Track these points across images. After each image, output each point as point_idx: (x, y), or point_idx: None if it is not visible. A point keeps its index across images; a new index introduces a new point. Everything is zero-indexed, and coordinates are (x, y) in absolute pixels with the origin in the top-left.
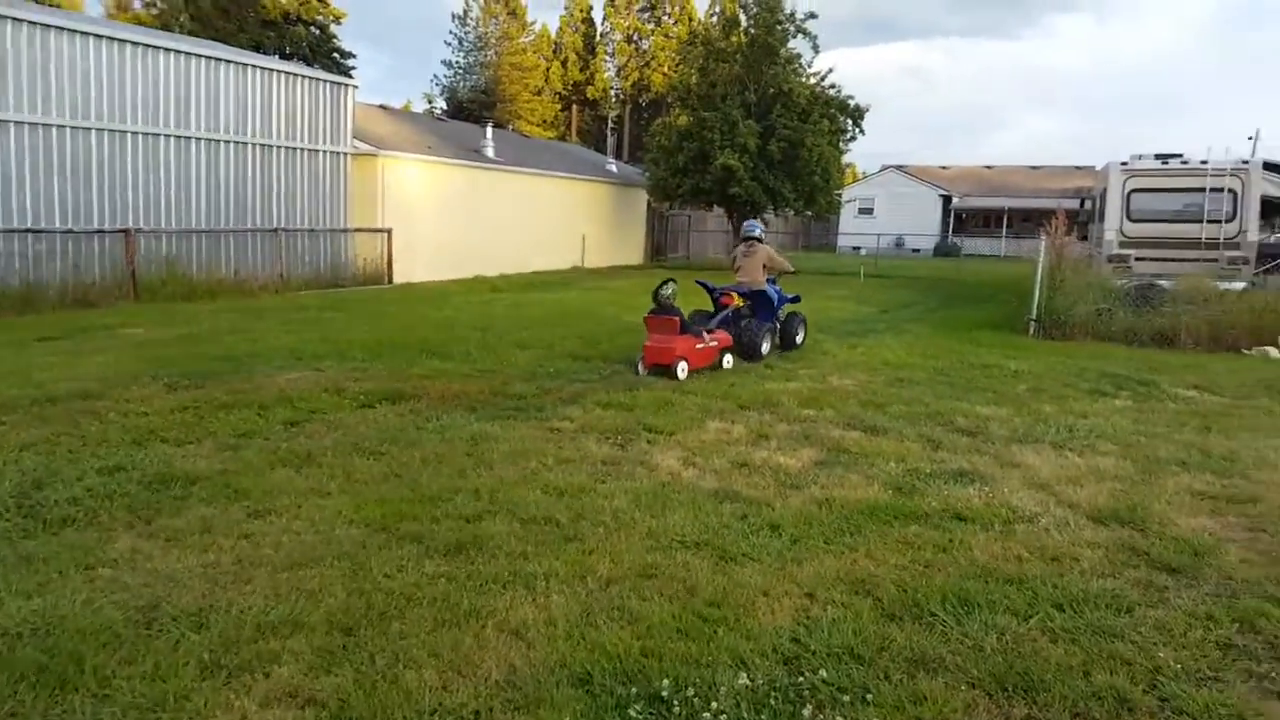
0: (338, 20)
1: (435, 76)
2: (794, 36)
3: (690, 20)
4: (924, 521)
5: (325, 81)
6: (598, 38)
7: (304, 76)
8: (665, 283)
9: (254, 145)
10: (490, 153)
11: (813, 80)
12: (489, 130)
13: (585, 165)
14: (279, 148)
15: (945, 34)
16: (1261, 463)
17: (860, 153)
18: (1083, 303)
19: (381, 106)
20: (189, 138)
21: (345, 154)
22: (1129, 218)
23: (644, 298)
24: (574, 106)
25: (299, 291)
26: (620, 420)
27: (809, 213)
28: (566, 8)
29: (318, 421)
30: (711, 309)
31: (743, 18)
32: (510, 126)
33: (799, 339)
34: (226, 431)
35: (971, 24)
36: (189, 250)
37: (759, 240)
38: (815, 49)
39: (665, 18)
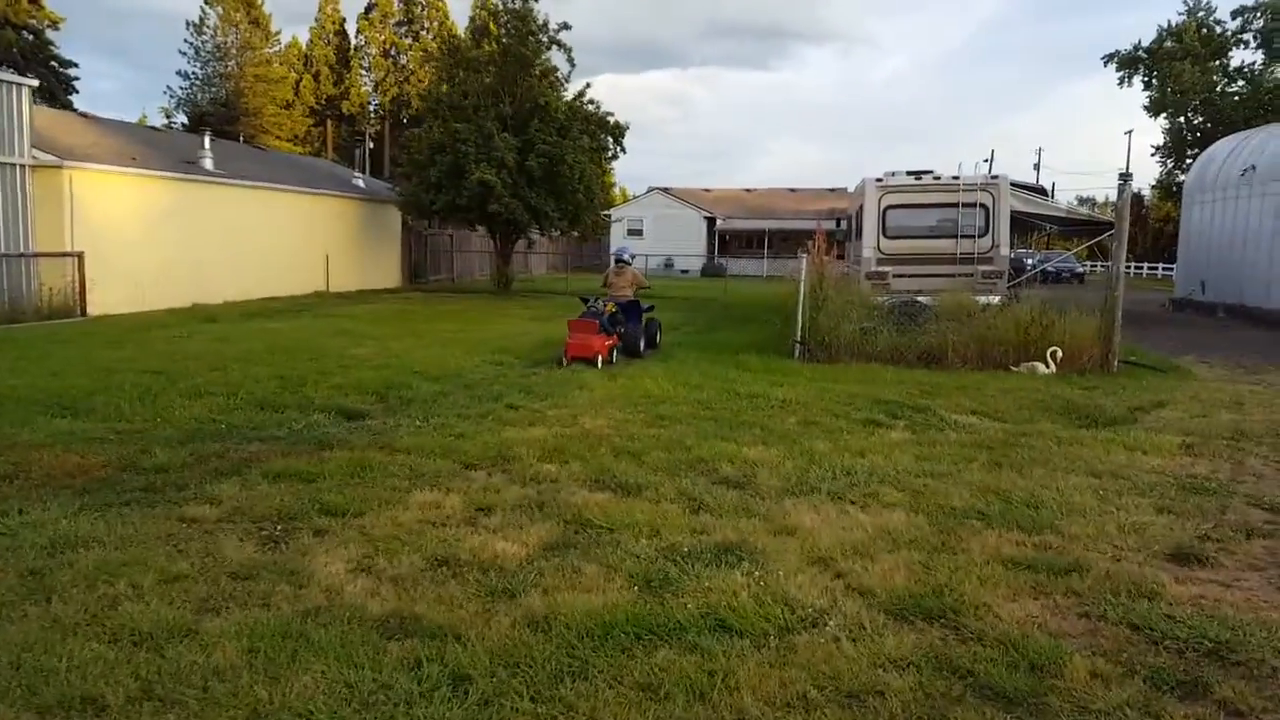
0: (54, 25)
1: (169, 88)
2: (548, 49)
3: (449, 35)
4: (676, 641)
5: None
6: (352, 50)
7: None
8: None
9: None
10: (209, 164)
11: (570, 96)
12: (206, 140)
13: (328, 180)
14: None
15: (703, 63)
16: (1068, 509)
17: (628, 176)
18: (846, 322)
19: (81, 114)
20: None
21: (20, 165)
22: (885, 234)
23: (381, 325)
24: (329, 122)
25: None
26: (290, 498)
27: (575, 232)
28: (318, 19)
29: None
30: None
31: (494, 27)
32: (255, 141)
33: (658, 339)
34: None
35: (728, 54)
36: None
37: (628, 263)
38: (571, 63)
39: (423, 32)
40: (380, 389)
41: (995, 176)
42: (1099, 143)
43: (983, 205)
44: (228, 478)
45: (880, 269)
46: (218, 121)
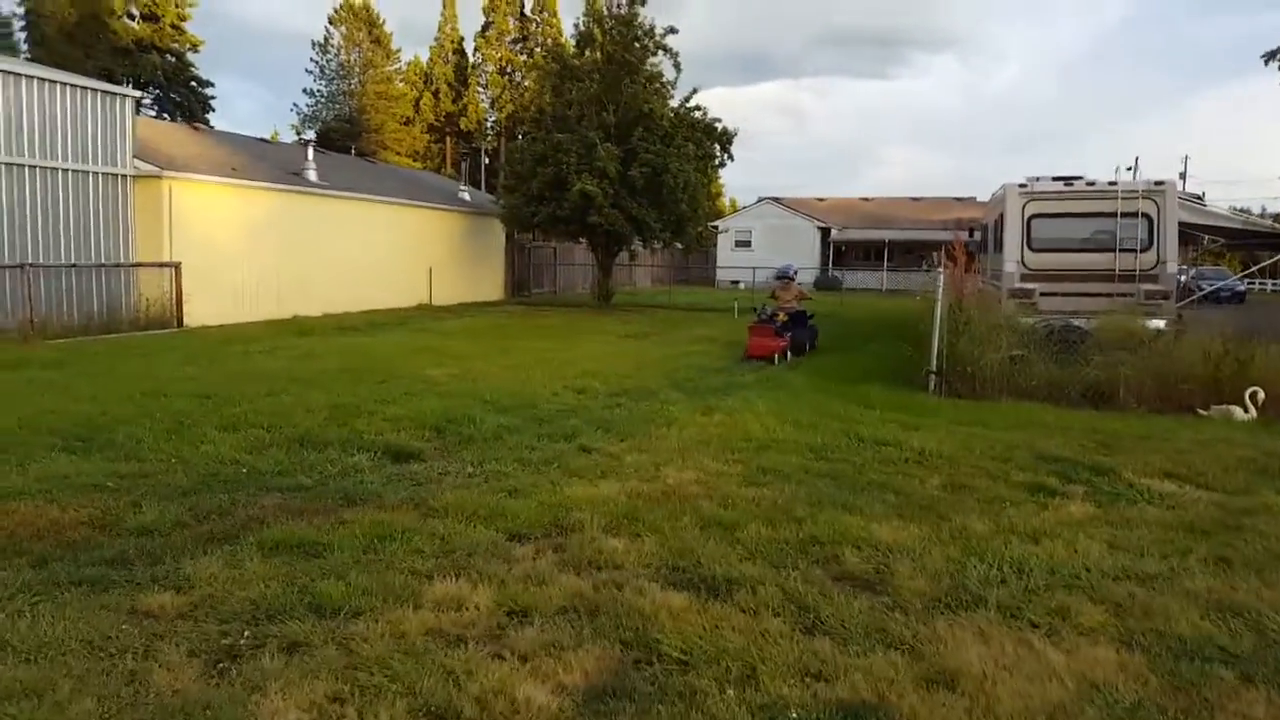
0: (195, 48)
1: (295, 105)
2: (654, 54)
3: (554, 43)
4: None
5: (94, 91)
6: (470, 69)
7: (64, 84)
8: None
9: None
10: (313, 176)
11: (676, 102)
12: (310, 151)
13: (433, 192)
14: (31, 167)
15: (816, 73)
16: None
17: (738, 188)
18: (992, 349)
19: (192, 124)
20: None
21: (124, 176)
22: (1030, 247)
23: (471, 341)
24: (447, 138)
25: (56, 339)
26: (279, 584)
27: (678, 244)
28: (437, 39)
29: None
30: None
31: (598, 34)
32: (377, 157)
33: (816, 342)
34: None
35: (841, 63)
36: None
37: (792, 279)
38: (677, 67)
39: (537, 49)
40: (441, 421)
41: (1160, 182)
42: (1249, 149)
43: (1145, 215)
44: (215, 548)
45: (1025, 285)
46: (341, 138)
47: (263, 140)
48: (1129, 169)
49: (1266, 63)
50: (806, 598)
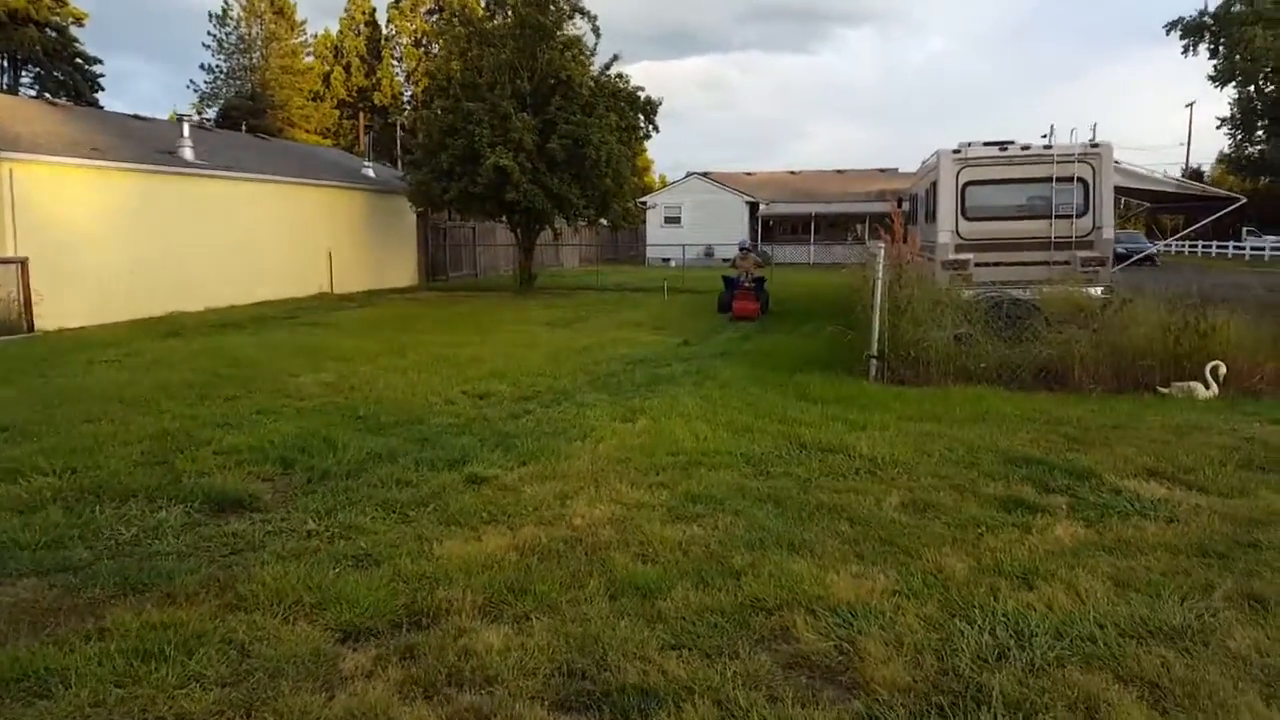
0: (78, 21)
1: (192, 83)
2: (570, 17)
3: (461, 5)
4: None
5: None
6: (383, 41)
7: None
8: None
9: None
10: (189, 154)
11: (597, 70)
12: (186, 128)
13: (332, 170)
14: None
15: (742, 47)
16: None
17: (667, 164)
18: (936, 329)
19: (46, 99)
20: None
21: None
22: (965, 215)
23: (365, 337)
24: (361, 114)
25: None
26: None
27: (604, 222)
28: (347, 10)
29: None
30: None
31: None
32: (284, 134)
33: (768, 306)
34: None
35: (766, 37)
36: None
37: (750, 251)
38: (596, 32)
39: (455, 18)
40: (292, 451)
41: (1096, 144)
42: (1155, 117)
43: (1081, 179)
44: None
45: (959, 256)
46: (243, 116)
47: (135, 117)
48: (1043, 137)
49: (1168, 32)
50: (750, 709)
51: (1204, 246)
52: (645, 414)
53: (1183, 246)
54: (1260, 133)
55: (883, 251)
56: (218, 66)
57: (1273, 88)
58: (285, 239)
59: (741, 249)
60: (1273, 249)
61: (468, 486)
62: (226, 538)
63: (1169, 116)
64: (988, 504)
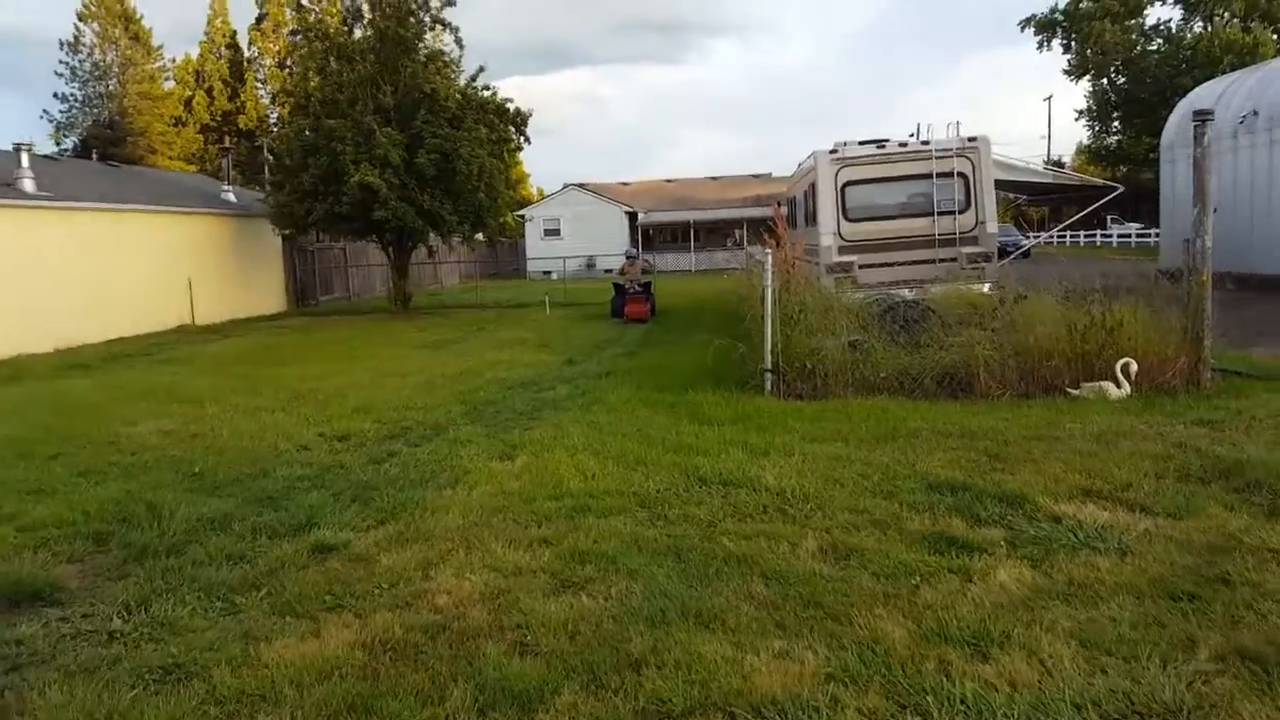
0: None
1: (45, 113)
2: (431, 28)
3: (316, 22)
4: None
5: None
6: (245, 64)
7: None
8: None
9: None
10: (29, 186)
11: (463, 82)
12: (24, 158)
13: (191, 195)
14: None
15: (610, 60)
16: None
17: (544, 176)
18: (830, 336)
19: None
20: None
21: None
22: (846, 217)
23: (221, 373)
24: (226, 138)
25: None
26: None
27: (481, 237)
28: (207, 33)
29: None
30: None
31: (366, 8)
32: (145, 161)
33: (654, 308)
34: None
35: (633, 50)
36: None
37: (636, 258)
38: (459, 44)
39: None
40: (112, 519)
41: (974, 139)
42: (1015, 112)
43: (961, 174)
44: None
45: (843, 259)
46: (103, 145)
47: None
48: (911, 136)
49: (1023, 29)
50: None
51: (1071, 236)
52: (526, 449)
53: (1051, 237)
54: (1116, 123)
55: (770, 258)
56: (72, 95)
57: (1123, 79)
58: (141, 270)
59: (628, 257)
60: (1138, 236)
61: (312, 559)
62: (9, 647)
63: (1028, 111)
64: (916, 544)
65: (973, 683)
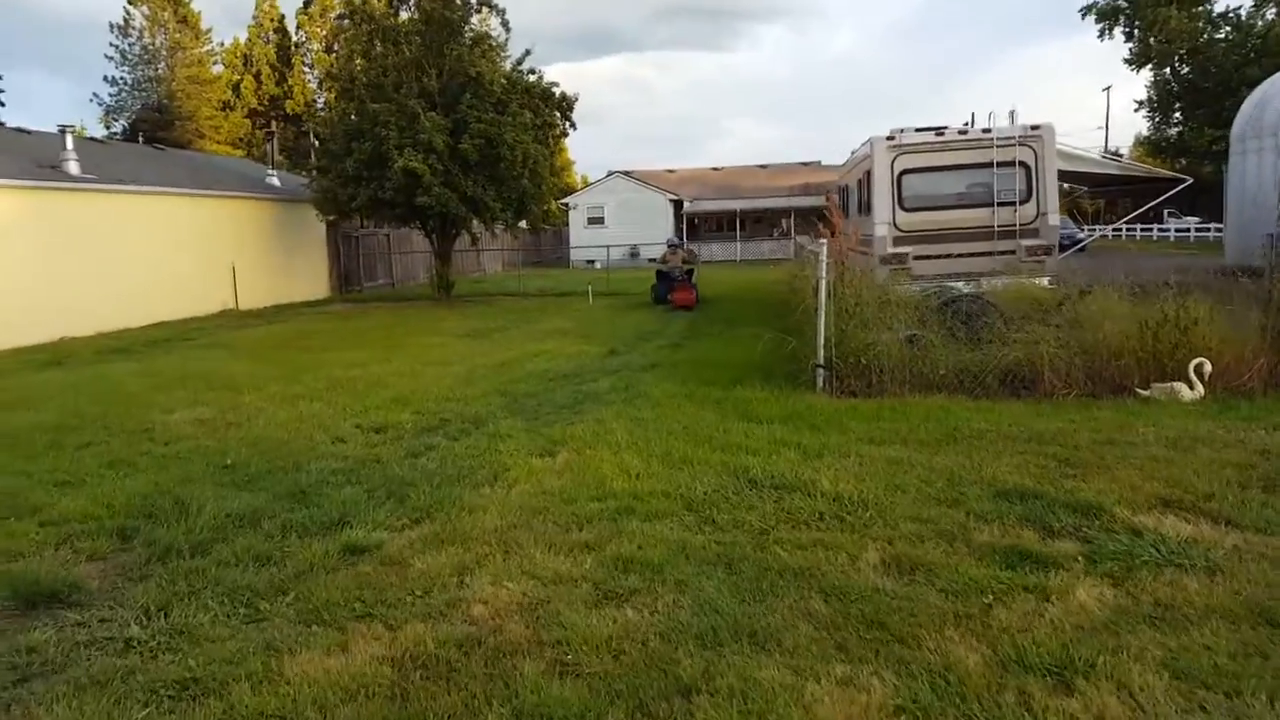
0: None
1: (95, 95)
2: (478, 10)
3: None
4: None
5: None
6: (293, 48)
7: None
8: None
9: None
10: (74, 168)
11: (509, 66)
12: (69, 139)
13: (235, 180)
14: None
15: (658, 46)
16: None
17: (588, 164)
18: (885, 330)
19: None
20: None
21: None
22: (902, 206)
23: (262, 360)
24: (274, 122)
25: None
26: None
27: (523, 225)
28: (255, 17)
29: None
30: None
31: None
32: (193, 146)
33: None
34: None
35: (680, 35)
36: None
37: (680, 246)
38: (506, 27)
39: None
40: (138, 514)
41: (1037, 127)
42: (1070, 103)
43: (1023, 164)
44: None
45: (898, 250)
46: (152, 128)
47: (20, 130)
48: (966, 124)
49: (1084, 16)
50: None
51: (1128, 230)
52: (567, 445)
53: (1112, 231)
54: (1177, 114)
55: (825, 249)
56: (122, 79)
57: (1187, 69)
58: (184, 254)
59: (669, 245)
60: (1197, 230)
61: (343, 561)
62: (20, 655)
63: (1086, 100)
64: (986, 558)
65: (1057, 718)
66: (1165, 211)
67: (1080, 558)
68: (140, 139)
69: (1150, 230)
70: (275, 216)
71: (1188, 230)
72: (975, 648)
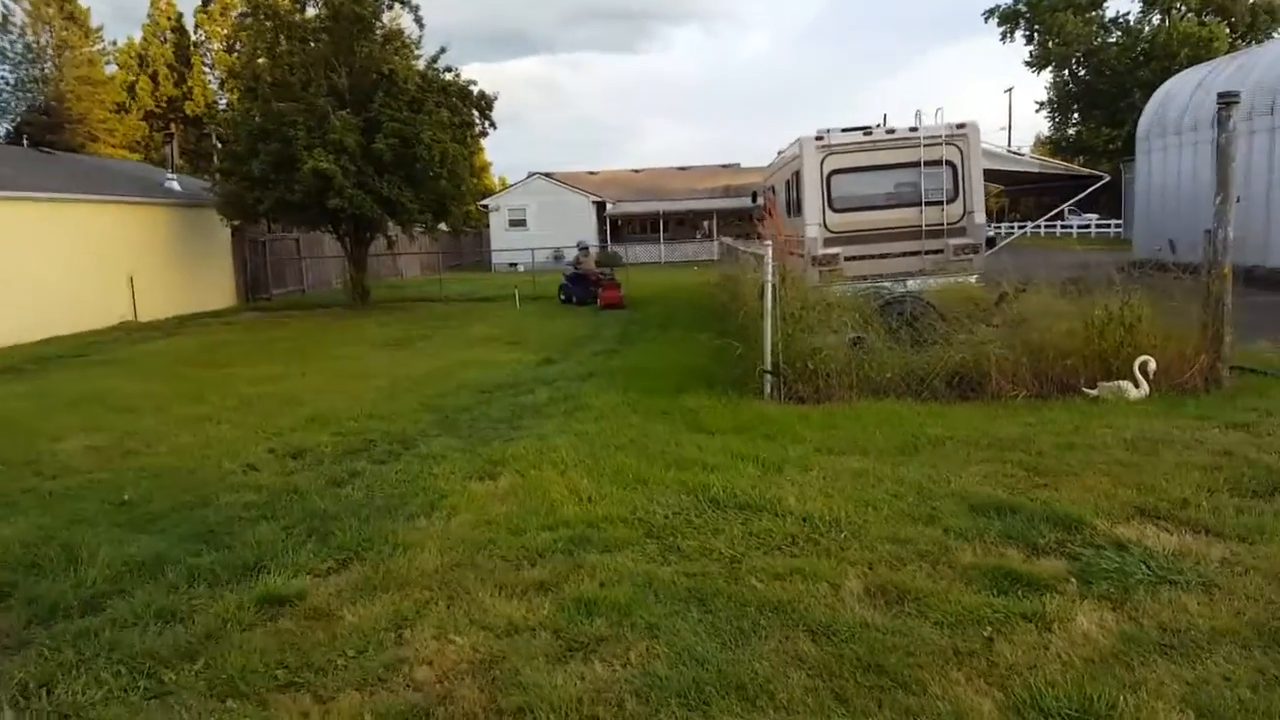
0: None
1: None
2: (389, 7)
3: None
4: None
5: None
6: (192, 48)
7: None
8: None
9: None
10: None
11: (423, 64)
12: None
13: (129, 184)
14: None
15: (572, 48)
16: None
17: (508, 166)
18: (831, 333)
19: None
20: None
21: None
22: (832, 207)
23: (162, 378)
24: (173, 125)
25: None
26: None
27: (443, 227)
28: (150, 15)
29: None
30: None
31: None
32: (85, 150)
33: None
34: None
35: (594, 38)
36: None
37: (589, 249)
38: (419, 23)
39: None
40: (20, 566)
41: (963, 125)
42: (975, 104)
43: (949, 163)
44: None
45: (829, 251)
46: (40, 132)
47: None
48: (876, 125)
49: (986, 20)
50: None
51: (1033, 227)
52: (509, 466)
53: (1010, 228)
54: (1075, 115)
55: (769, 252)
56: (3, 79)
57: (1084, 71)
58: (76, 264)
59: (581, 248)
60: (1097, 226)
61: (260, 615)
62: None
63: (989, 102)
64: (975, 582)
65: None
66: (1065, 209)
67: (1071, 578)
68: (25, 143)
69: (1054, 227)
70: (176, 222)
71: (1089, 226)
72: (985, 691)
